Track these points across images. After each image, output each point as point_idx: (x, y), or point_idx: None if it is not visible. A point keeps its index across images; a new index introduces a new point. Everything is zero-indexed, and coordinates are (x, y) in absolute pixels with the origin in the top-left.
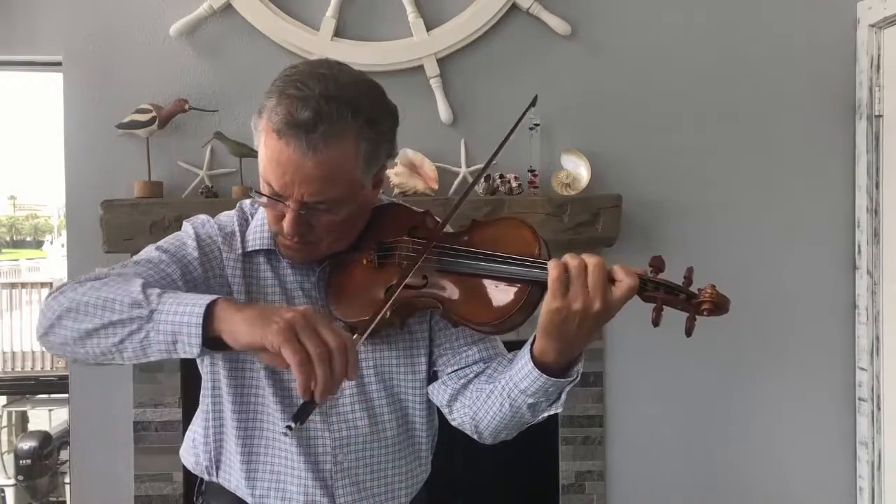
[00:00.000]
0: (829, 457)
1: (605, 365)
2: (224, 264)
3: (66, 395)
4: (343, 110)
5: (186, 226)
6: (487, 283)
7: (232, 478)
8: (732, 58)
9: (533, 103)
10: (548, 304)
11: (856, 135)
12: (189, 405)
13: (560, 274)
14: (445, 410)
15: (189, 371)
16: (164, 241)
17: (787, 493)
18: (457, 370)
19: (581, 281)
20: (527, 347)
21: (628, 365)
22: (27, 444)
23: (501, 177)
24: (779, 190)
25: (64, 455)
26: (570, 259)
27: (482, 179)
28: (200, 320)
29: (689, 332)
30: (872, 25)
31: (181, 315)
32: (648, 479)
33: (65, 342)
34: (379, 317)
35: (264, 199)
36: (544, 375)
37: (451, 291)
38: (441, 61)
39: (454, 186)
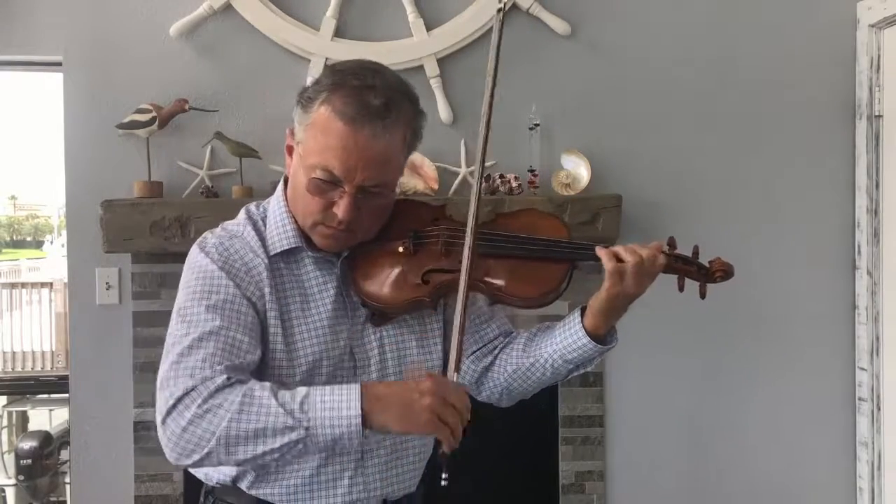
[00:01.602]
0: (829, 457)
1: (605, 365)
2: (259, 277)
3: (66, 395)
4: (404, 99)
5: (205, 262)
6: (532, 263)
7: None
8: (732, 58)
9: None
10: (608, 290)
11: (856, 135)
12: None
13: (616, 266)
14: (473, 388)
15: None
16: (203, 292)
17: (788, 492)
18: (481, 348)
19: (638, 271)
20: (574, 323)
21: (628, 365)
22: (27, 444)
23: (501, 177)
24: (779, 190)
25: (64, 455)
26: (629, 255)
27: (482, 179)
28: (360, 429)
29: (703, 296)
30: (872, 25)
31: (339, 428)
32: (648, 479)
33: (217, 465)
34: (459, 320)
35: (323, 185)
36: (599, 346)
37: (495, 272)
38: (441, 61)
39: (454, 186)
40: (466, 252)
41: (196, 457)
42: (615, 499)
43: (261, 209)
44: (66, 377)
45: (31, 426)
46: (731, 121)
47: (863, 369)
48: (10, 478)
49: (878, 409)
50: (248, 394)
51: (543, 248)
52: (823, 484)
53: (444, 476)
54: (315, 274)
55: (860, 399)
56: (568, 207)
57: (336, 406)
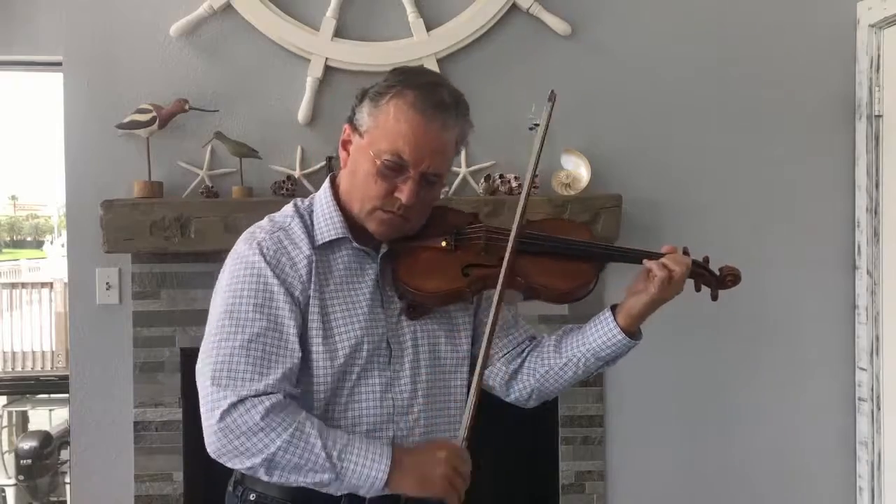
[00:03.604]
0: (829, 457)
1: None
2: (304, 270)
3: (66, 395)
4: (463, 100)
5: (255, 258)
6: (566, 262)
7: None
8: (732, 58)
9: (551, 99)
10: (653, 295)
11: (855, 135)
12: (189, 405)
13: (668, 274)
14: (502, 390)
15: (189, 371)
16: (250, 290)
17: (787, 492)
18: (510, 350)
19: (681, 279)
20: (608, 322)
21: (628, 365)
22: (27, 444)
23: (501, 177)
24: (779, 190)
25: (64, 455)
26: (676, 266)
27: (482, 180)
28: (380, 490)
29: (715, 299)
30: (872, 25)
31: (364, 480)
32: (648, 479)
33: (256, 476)
34: (489, 339)
35: (390, 169)
36: (632, 341)
37: (532, 268)
38: (441, 61)
39: (454, 186)
40: (508, 255)
41: (238, 464)
42: (615, 499)
43: (306, 203)
44: (66, 377)
45: (31, 426)
46: (730, 121)
47: (863, 369)
48: (10, 478)
49: (878, 409)
50: (300, 427)
51: (578, 247)
52: (823, 484)
53: None
54: (355, 265)
55: (860, 399)
56: (568, 207)
57: (368, 464)
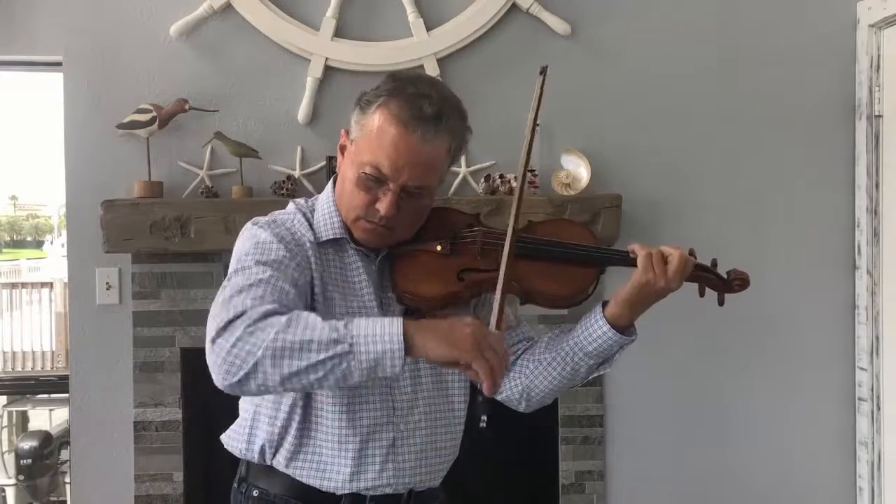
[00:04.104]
0: (829, 457)
1: None
2: (308, 252)
3: (66, 395)
4: (455, 112)
5: (260, 231)
6: (564, 266)
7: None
8: (732, 58)
9: (542, 73)
10: (636, 278)
11: (855, 135)
12: (189, 405)
13: (647, 254)
14: None
15: (189, 371)
16: (255, 253)
17: (787, 492)
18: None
19: (665, 263)
20: (595, 314)
21: (628, 364)
22: (28, 444)
23: (501, 177)
24: (778, 190)
25: (64, 455)
26: (654, 250)
27: (482, 180)
28: (402, 347)
29: (721, 303)
30: (872, 25)
31: (381, 344)
32: (648, 479)
33: (262, 384)
34: (498, 300)
35: (370, 181)
36: (619, 334)
37: (529, 272)
38: (441, 61)
39: (454, 186)
40: (504, 260)
41: (242, 373)
42: (615, 499)
43: (308, 203)
44: (66, 377)
45: (31, 426)
46: (730, 120)
47: (863, 369)
48: (10, 478)
49: (878, 409)
50: (295, 315)
51: (576, 252)
52: (823, 484)
53: (483, 418)
54: (358, 266)
55: (860, 399)
56: (568, 207)
57: (378, 325)
